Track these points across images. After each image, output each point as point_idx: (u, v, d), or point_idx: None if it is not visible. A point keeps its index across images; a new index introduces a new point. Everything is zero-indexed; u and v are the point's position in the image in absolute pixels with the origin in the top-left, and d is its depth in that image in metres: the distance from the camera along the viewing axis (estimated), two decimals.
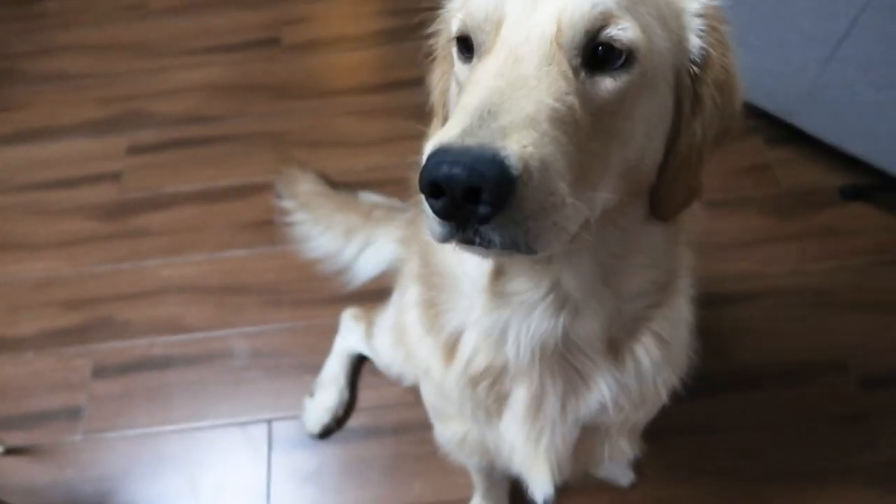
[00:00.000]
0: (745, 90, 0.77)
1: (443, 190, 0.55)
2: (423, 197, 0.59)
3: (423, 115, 0.96)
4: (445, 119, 0.88)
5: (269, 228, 2.03)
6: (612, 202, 0.70)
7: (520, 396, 0.97)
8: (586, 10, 0.63)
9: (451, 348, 0.98)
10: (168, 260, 2.01)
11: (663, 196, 0.78)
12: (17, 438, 1.73)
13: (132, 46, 2.48)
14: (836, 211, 1.99)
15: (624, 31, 0.64)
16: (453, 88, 0.82)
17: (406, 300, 1.07)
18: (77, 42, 2.50)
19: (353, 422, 1.74)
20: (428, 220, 0.60)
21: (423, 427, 1.58)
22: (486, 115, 0.57)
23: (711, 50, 0.73)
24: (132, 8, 2.58)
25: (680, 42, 0.72)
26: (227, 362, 1.83)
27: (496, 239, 0.57)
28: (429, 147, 0.58)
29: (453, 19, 0.73)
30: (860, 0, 1.57)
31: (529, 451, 1.00)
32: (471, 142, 0.55)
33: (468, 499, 1.59)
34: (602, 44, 0.65)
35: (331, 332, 1.82)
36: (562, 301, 0.84)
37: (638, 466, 1.61)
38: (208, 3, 2.58)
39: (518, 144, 0.55)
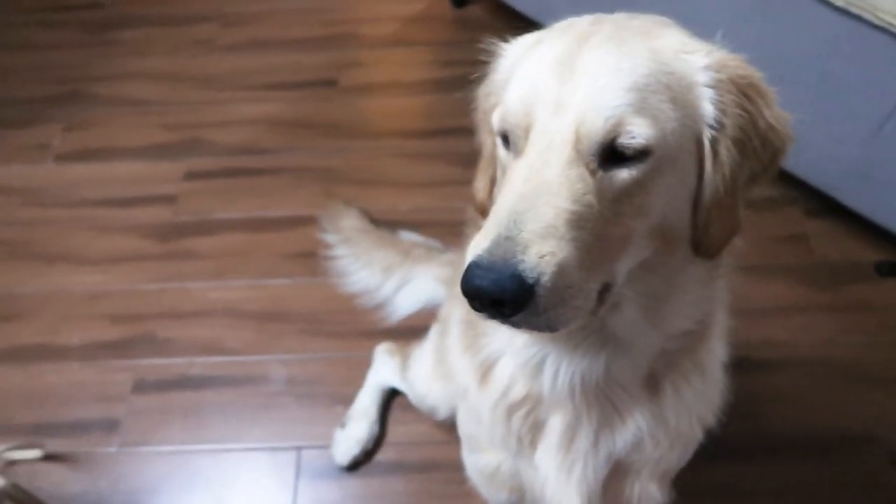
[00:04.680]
0: (784, 136, 0.82)
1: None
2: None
3: (467, 162, 1.01)
4: (493, 179, 0.94)
5: (312, 260, 2.09)
6: (644, 255, 0.78)
7: (555, 426, 1.00)
8: (600, 126, 0.71)
9: (485, 372, 1.02)
10: (213, 283, 2.08)
11: (701, 240, 0.83)
12: (55, 445, 1.78)
13: (197, 78, 2.60)
14: (870, 286, 2.00)
15: (634, 138, 0.72)
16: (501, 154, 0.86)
17: (450, 321, 1.12)
18: (146, 70, 2.64)
19: (381, 456, 1.76)
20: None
21: (449, 467, 1.60)
22: (512, 225, 0.68)
23: (727, 111, 0.77)
24: (201, 42, 2.72)
25: (695, 113, 0.77)
26: (262, 387, 1.88)
27: (522, 327, 0.70)
28: (469, 254, 0.69)
29: (494, 113, 0.81)
30: None
31: (562, 482, 1.02)
32: (496, 257, 0.66)
33: None
34: (616, 147, 0.73)
35: (365, 364, 1.86)
36: (605, 340, 0.88)
37: None
38: (272, 42, 2.71)
39: (537, 256, 0.66)
